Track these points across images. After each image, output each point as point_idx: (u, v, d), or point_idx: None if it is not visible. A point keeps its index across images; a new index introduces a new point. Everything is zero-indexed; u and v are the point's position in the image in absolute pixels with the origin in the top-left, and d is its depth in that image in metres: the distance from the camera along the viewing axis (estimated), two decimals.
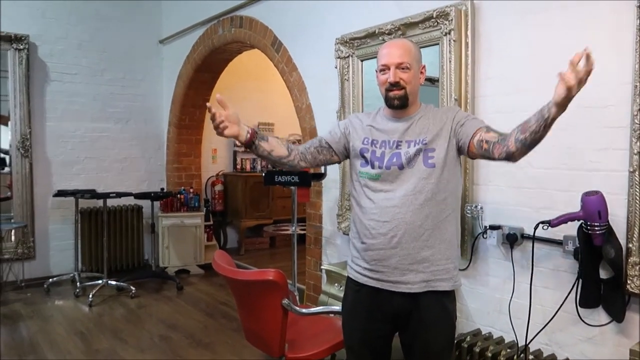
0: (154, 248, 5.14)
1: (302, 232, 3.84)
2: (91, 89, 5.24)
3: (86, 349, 3.37)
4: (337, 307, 2.14)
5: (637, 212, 1.90)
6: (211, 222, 5.81)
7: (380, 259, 1.69)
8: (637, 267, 1.91)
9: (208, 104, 1.71)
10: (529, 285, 2.17)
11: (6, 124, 4.78)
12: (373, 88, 1.76)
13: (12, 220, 4.74)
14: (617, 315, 1.99)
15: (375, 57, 1.77)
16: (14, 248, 4.74)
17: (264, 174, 3.36)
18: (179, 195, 5.41)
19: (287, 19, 3.81)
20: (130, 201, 5.19)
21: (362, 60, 3.14)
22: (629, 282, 1.93)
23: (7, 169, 4.82)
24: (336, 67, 3.27)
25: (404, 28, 2.77)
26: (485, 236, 2.46)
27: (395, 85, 1.67)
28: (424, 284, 1.67)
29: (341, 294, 2.33)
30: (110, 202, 5.05)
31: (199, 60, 5.02)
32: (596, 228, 1.92)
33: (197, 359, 3.25)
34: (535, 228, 2.10)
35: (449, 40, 2.53)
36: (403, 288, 1.67)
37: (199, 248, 5.41)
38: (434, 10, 2.58)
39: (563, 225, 2.04)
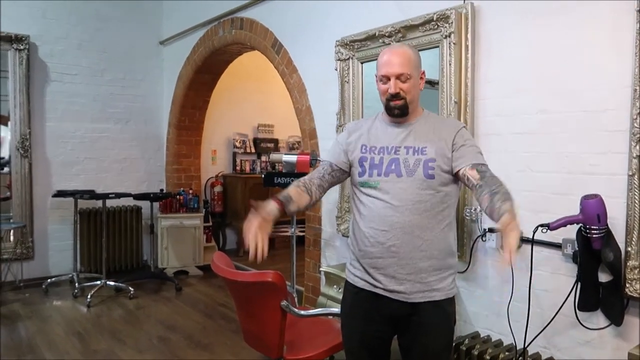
0: (152, 249, 5.13)
1: (301, 233, 3.84)
2: (91, 89, 5.24)
3: (84, 350, 3.37)
4: (336, 309, 2.14)
5: (636, 216, 1.90)
6: (210, 223, 5.81)
7: (378, 267, 1.69)
8: (636, 271, 1.91)
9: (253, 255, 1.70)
10: (527, 288, 2.17)
11: (6, 124, 4.78)
12: (373, 90, 1.76)
13: (11, 220, 4.74)
14: (615, 318, 1.99)
15: (376, 60, 1.77)
16: (12, 248, 4.73)
17: (263, 176, 3.36)
18: (178, 196, 5.40)
19: (288, 21, 3.82)
20: (129, 202, 5.19)
21: (362, 63, 3.15)
22: (627, 285, 1.93)
23: (6, 169, 4.82)
24: (336, 69, 3.27)
25: (404, 31, 2.78)
26: (484, 239, 2.46)
27: (395, 96, 1.67)
28: (421, 294, 1.67)
29: (340, 296, 2.33)
30: (110, 203, 5.05)
31: (199, 61, 5.03)
32: (595, 231, 1.93)
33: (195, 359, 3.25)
34: (535, 231, 2.10)
35: (449, 43, 2.53)
36: (400, 297, 1.68)
37: (198, 249, 5.40)
38: (434, 13, 2.59)
39: (562, 229, 2.04)
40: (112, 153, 5.41)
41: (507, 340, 2.35)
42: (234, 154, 6.50)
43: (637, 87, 1.88)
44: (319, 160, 3.31)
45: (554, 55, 2.19)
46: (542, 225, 2.08)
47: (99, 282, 4.51)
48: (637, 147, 1.88)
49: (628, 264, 1.93)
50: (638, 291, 1.90)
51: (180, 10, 5.36)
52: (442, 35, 2.57)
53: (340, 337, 1.92)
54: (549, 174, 2.22)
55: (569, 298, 2.09)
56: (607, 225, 1.93)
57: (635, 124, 1.88)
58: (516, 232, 1.33)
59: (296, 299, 3.13)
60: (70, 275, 4.82)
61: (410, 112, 1.72)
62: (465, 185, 1.69)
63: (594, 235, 1.93)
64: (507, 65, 2.38)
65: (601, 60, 2.04)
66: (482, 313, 2.51)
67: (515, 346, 2.28)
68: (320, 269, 3.47)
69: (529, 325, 2.16)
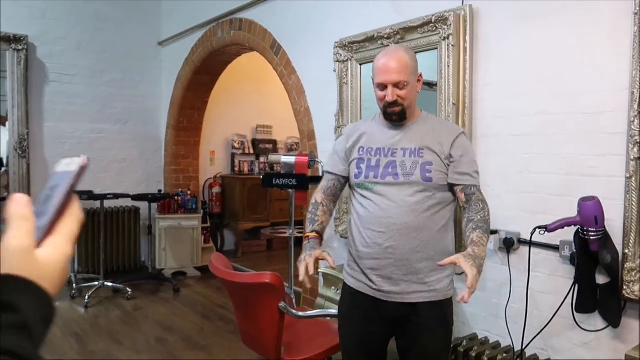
0: (150, 250, 5.13)
1: (300, 235, 3.84)
2: (90, 90, 5.24)
3: (82, 350, 3.36)
4: (334, 311, 2.14)
5: (634, 218, 1.90)
6: (208, 225, 5.80)
7: (374, 267, 1.69)
8: (633, 273, 1.91)
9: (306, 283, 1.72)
10: (525, 290, 2.17)
11: (4, 125, 4.78)
12: (371, 92, 1.76)
13: None
14: (613, 320, 1.99)
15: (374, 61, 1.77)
16: None
17: (262, 177, 3.36)
18: (176, 197, 5.40)
19: (287, 22, 3.82)
20: (127, 203, 5.19)
21: (360, 64, 3.15)
22: (625, 287, 1.93)
23: (3, 169, 4.81)
24: (335, 71, 3.27)
25: (402, 32, 2.78)
26: None
27: (393, 103, 1.68)
28: (418, 295, 1.67)
29: (338, 297, 2.33)
30: (108, 204, 5.04)
31: (198, 62, 5.02)
32: (592, 233, 1.93)
33: None
34: (532, 233, 2.10)
35: (448, 45, 2.54)
36: (396, 298, 1.68)
37: (196, 250, 5.40)
38: (432, 15, 2.59)
39: (560, 231, 2.05)
40: (111, 154, 5.40)
41: (504, 342, 2.35)
42: (233, 155, 6.49)
43: (635, 90, 1.88)
44: (318, 161, 3.32)
45: (553, 57, 2.20)
46: (539, 227, 2.08)
47: (96, 283, 4.50)
48: (635, 149, 1.89)
49: (625, 266, 1.93)
50: (635, 293, 1.91)
51: (179, 11, 5.36)
52: (440, 37, 2.57)
53: (338, 339, 1.92)
54: (547, 175, 2.22)
55: (566, 300, 2.09)
56: (604, 227, 1.93)
57: (633, 127, 1.89)
58: (470, 275, 1.41)
59: (294, 300, 3.13)
60: (68, 276, 4.79)
61: (408, 116, 1.72)
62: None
63: (592, 237, 1.94)
64: (506, 67, 2.38)
65: (600, 62, 2.05)
66: (480, 314, 2.51)
67: (513, 348, 2.28)
68: (319, 270, 3.47)
69: (526, 327, 2.17)
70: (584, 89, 2.09)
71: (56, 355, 3.27)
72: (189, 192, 5.53)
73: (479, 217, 1.62)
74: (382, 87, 1.68)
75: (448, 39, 2.53)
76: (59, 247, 0.47)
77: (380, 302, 1.71)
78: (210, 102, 5.64)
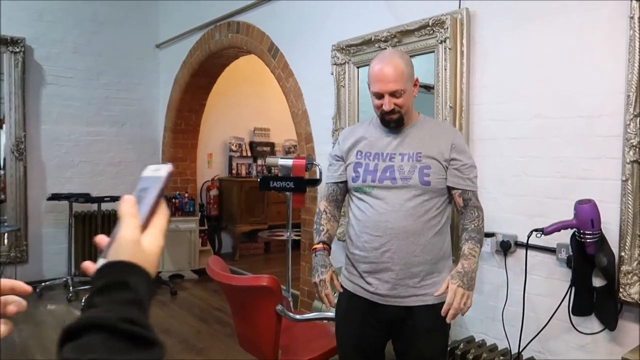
0: None
1: (297, 237, 3.84)
2: (87, 92, 5.23)
3: None
4: (331, 314, 2.14)
5: (630, 221, 1.91)
6: (206, 227, 5.79)
7: (372, 271, 1.70)
8: (630, 276, 1.92)
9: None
10: (522, 293, 2.18)
11: (1, 127, 4.77)
12: (368, 95, 1.76)
13: (5, 224, 4.71)
14: (609, 323, 2.00)
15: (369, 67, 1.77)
16: (6, 251, 4.70)
17: (259, 180, 3.36)
18: (173, 200, 5.39)
19: (284, 25, 3.83)
20: None
21: (358, 67, 3.16)
22: (621, 290, 1.94)
23: (0, 172, 4.80)
24: (332, 74, 3.28)
25: (399, 36, 2.79)
26: None
27: (390, 112, 1.68)
28: (415, 298, 1.68)
29: (335, 300, 2.33)
30: (105, 206, 5.02)
31: (195, 65, 5.03)
32: (589, 236, 1.93)
33: None
34: (529, 236, 2.11)
35: (445, 48, 2.54)
36: (393, 301, 1.68)
37: (194, 253, 5.39)
38: (429, 19, 2.60)
39: (556, 233, 2.05)
40: (107, 156, 5.40)
41: (501, 345, 2.35)
42: (230, 158, 6.49)
43: (630, 93, 1.89)
44: (315, 164, 3.32)
45: (549, 61, 2.21)
46: (536, 230, 2.08)
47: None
48: (631, 152, 1.89)
49: (622, 268, 1.94)
50: (632, 296, 1.91)
51: (176, 13, 5.37)
52: (437, 41, 2.58)
53: (335, 342, 1.91)
54: (544, 178, 2.23)
55: (563, 302, 2.10)
56: (600, 230, 1.94)
57: (629, 130, 1.90)
58: (452, 293, 1.51)
59: (291, 303, 3.13)
60: (65, 279, 4.79)
61: (405, 121, 1.73)
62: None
63: (588, 240, 1.94)
64: (503, 70, 2.39)
65: (596, 66, 2.06)
66: (477, 317, 2.51)
67: (510, 350, 2.29)
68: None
69: (523, 330, 2.17)
70: (580, 92, 2.10)
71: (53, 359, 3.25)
72: (186, 195, 5.53)
73: (472, 226, 1.68)
74: (379, 95, 1.68)
75: (445, 42, 2.54)
76: (156, 239, 0.59)
77: (377, 305, 1.71)
78: (207, 105, 5.64)
